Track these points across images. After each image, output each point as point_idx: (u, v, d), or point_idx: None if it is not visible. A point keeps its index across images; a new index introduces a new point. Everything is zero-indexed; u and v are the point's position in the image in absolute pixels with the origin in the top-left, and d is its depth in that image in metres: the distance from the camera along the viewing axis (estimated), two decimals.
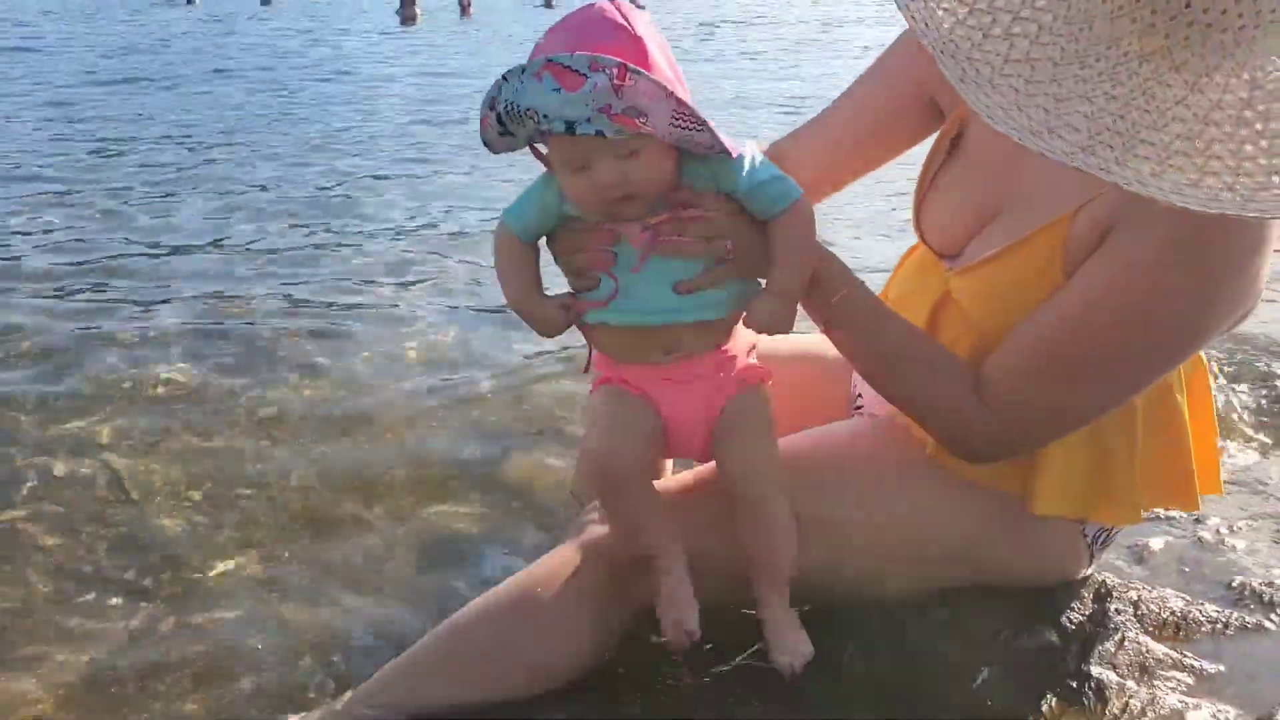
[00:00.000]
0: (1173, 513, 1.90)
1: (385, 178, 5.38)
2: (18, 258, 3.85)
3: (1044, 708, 1.43)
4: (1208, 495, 1.57)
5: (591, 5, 1.23)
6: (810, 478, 1.50)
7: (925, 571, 1.55)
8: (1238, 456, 2.21)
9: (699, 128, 1.19)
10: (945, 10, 1.06)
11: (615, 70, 1.13)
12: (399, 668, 1.48)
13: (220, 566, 1.90)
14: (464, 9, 19.21)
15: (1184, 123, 1.00)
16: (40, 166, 5.50)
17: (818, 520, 1.47)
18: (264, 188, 5.09)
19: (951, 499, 1.52)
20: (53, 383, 2.68)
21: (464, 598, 1.59)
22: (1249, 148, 0.99)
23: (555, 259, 1.35)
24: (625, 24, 1.20)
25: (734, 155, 1.24)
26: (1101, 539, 1.62)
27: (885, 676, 1.51)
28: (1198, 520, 1.89)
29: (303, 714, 1.48)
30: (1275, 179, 0.97)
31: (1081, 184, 1.31)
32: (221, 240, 4.15)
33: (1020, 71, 1.02)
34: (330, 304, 3.36)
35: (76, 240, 4.13)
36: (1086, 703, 1.43)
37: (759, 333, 1.33)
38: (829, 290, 1.37)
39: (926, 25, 1.06)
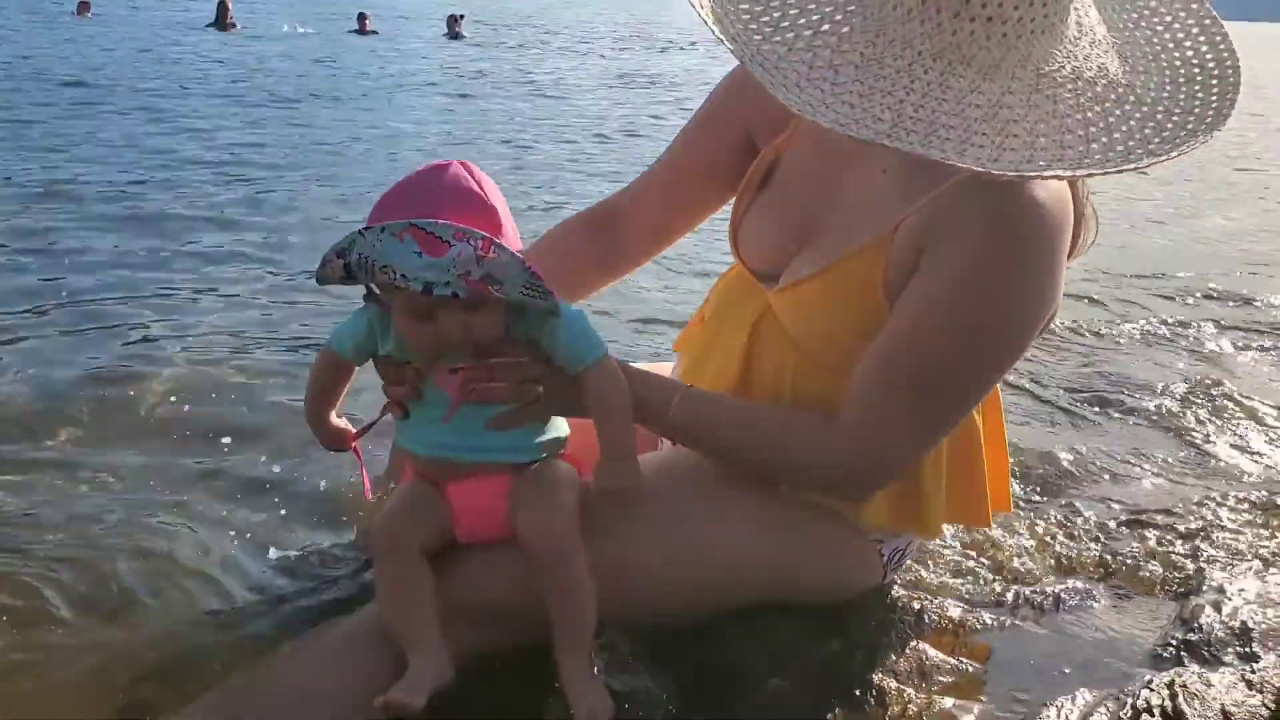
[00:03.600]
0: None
1: None
2: None
3: (829, 716, 1.48)
4: (999, 512, 1.68)
5: (445, 168, 1.32)
6: (615, 506, 1.49)
7: (730, 592, 1.58)
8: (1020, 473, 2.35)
9: (543, 296, 1.30)
10: (754, 29, 1.17)
11: (480, 243, 1.23)
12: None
13: None
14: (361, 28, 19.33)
15: (979, 108, 1.13)
16: None
17: (621, 546, 1.48)
18: None
19: (766, 511, 1.56)
20: None
21: None
22: (1041, 125, 1.13)
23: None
24: (479, 191, 1.30)
25: (560, 316, 1.35)
26: (896, 558, 1.70)
27: (680, 689, 1.53)
28: (981, 535, 2.00)
29: None
30: (1067, 152, 1.12)
31: (895, 203, 1.41)
32: None
33: (826, 76, 1.14)
34: None
35: None
36: (868, 709, 1.49)
37: (612, 497, 1.42)
38: (656, 412, 1.48)
39: (736, 41, 1.15)
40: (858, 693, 1.52)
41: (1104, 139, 1.14)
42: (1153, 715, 1.51)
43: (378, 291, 1.37)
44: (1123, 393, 3.01)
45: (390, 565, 1.42)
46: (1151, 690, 1.55)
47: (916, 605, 1.74)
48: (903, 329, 1.39)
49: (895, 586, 1.78)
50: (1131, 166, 1.13)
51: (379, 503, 1.58)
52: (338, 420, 1.51)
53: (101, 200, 4.89)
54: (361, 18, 19.60)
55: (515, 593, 1.43)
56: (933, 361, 1.38)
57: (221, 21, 18.17)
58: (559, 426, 1.48)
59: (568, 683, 1.39)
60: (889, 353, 1.40)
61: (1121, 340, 3.60)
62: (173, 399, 2.58)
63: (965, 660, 1.63)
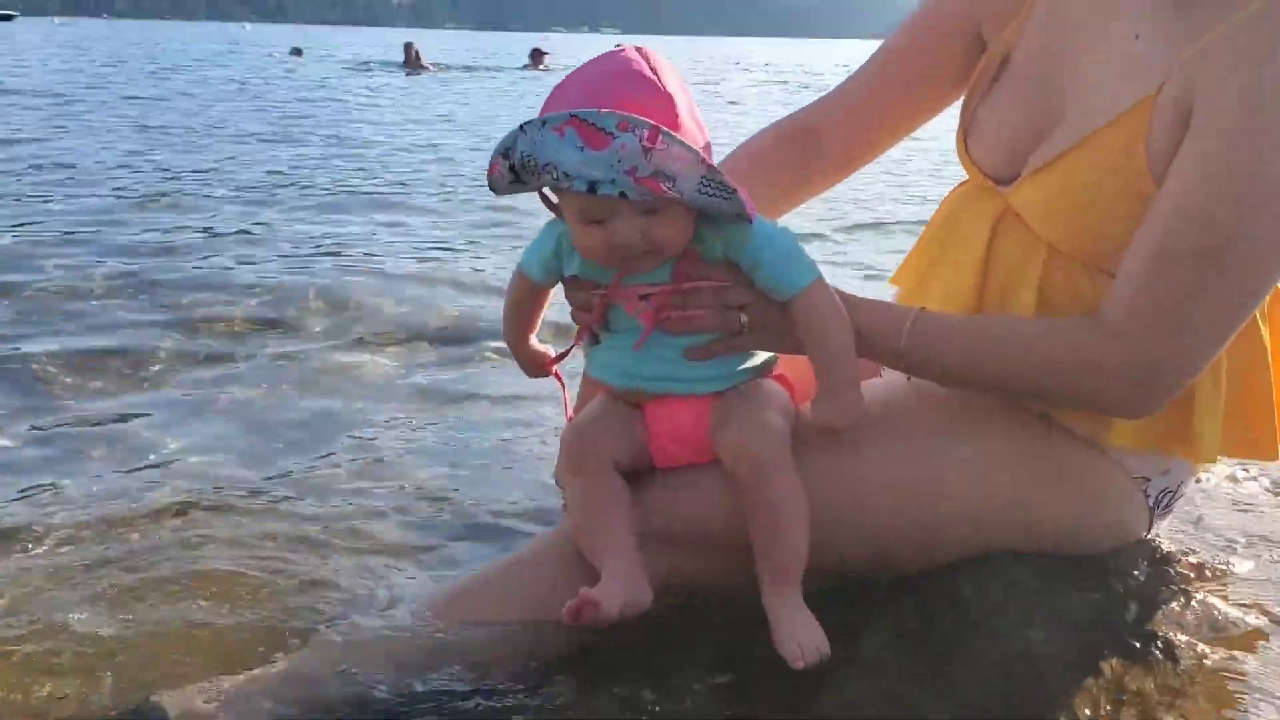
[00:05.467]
0: (1234, 475, 1.71)
1: None
2: None
3: (1104, 666, 1.23)
4: None
5: (617, 53, 1.17)
6: (850, 435, 1.30)
7: (978, 529, 1.36)
8: None
9: (726, 195, 1.12)
10: None
11: (646, 133, 1.07)
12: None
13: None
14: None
15: None
16: None
17: (842, 483, 1.30)
18: None
19: (1014, 441, 1.35)
20: None
21: None
22: None
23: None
24: (654, 78, 1.14)
25: (753, 221, 1.17)
26: (1164, 501, 1.44)
27: (918, 635, 1.30)
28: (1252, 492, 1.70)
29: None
30: None
31: (1154, 66, 1.23)
32: None
33: None
34: None
35: None
36: (1154, 661, 1.23)
37: (833, 435, 1.26)
38: (884, 342, 1.28)
39: None
40: (1136, 644, 1.26)
41: None
42: None
43: (553, 199, 1.23)
44: None
45: (580, 478, 1.28)
46: None
47: (1193, 559, 1.46)
48: (1175, 200, 1.17)
49: (1163, 540, 1.50)
50: None
51: None
52: (537, 344, 1.40)
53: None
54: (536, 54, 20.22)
55: (719, 518, 1.27)
56: (1215, 233, 1.15)
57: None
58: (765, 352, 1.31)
59: (774, 615, 1.22)
60: (1161, 230, 1.18)
61: None
62: None
63: (1266, 618, 1.34)
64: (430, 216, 5.04)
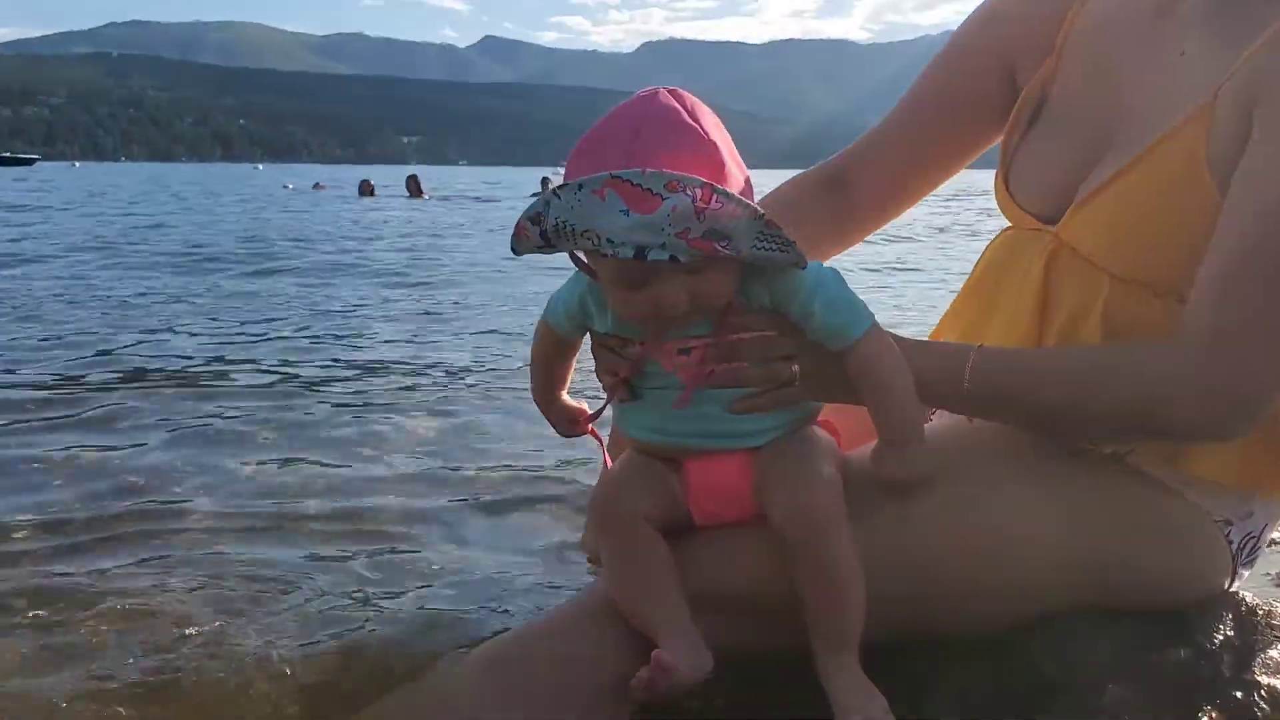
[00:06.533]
0: None
1: None
2: None
3: None
4: None
5: (651, 99, 1.06)
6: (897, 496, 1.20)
7: (1046, 583, 1.24)
8: None
9: (784, 248, 1.04)
10: None
11: (699, 192, 0.98)
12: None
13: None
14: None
15: None
16: None
17: (901, 540, 1.19)
18: None
19: (1085, 486, 1.25)
20: None
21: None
22: None
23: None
24: (695, 124, 1.04)
25: (804, 269, 1.09)
26: (1247, 548, 1.32)
27: (990, 700, 1.18)
28: None
29: None
30: None
31: (1206, 75, 1.19)
32: None
33: None
34: None
35: None
36: (1261, 714, 1.10)
37: (896, 489, 1.16)
38: (946, 385, 1.18)
39: None
40: (1237, 695, 1.13)
41: None
42: None
43: (584, 259, 1.15)
44: None
45: (611, 539, 1.18)
46: None
47: None
48: (1250, 198, 1.11)
49: (1247, 593, 1.37)
50: None
51: None
52: (569, 400, 1.30)
53: None
54: (544, 182, 21.62)
55: (771, 582, 1.16)
56: None
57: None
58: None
59: (832, 686, 1.11)
60: (1238, 231, 1.11)
61: None
62: None
63: None
64: None
